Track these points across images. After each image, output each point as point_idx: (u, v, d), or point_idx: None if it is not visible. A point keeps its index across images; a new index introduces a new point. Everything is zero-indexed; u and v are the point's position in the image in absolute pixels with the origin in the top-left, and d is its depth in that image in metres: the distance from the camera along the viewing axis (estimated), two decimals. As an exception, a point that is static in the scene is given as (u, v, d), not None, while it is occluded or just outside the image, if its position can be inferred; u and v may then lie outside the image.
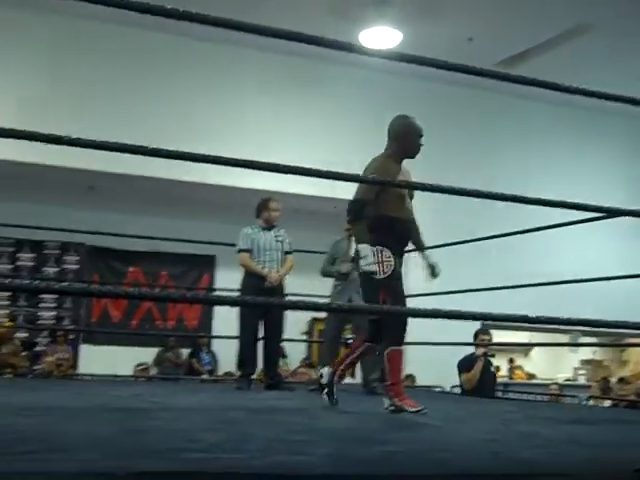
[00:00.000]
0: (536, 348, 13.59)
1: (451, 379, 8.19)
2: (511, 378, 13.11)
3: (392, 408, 4.13)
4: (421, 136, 4.40)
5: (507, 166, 11.11)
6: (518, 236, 6.12)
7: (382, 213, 4.22)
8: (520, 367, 13.46)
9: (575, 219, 4.99)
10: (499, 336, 10.92)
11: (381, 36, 9.00)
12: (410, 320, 4.23)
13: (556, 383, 11.25)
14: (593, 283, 6.55)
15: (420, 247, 4.64)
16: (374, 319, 4.35)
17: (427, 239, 4.68)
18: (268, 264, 6.41)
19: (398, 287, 4.20)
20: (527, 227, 5.84)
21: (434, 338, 7.34)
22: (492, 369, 7.63)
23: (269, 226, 6.57)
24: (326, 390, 4.36)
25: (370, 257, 4.12)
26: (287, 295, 6.59)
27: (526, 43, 9.79)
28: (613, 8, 8.90)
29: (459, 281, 6.98)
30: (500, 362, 13.55)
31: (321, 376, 4.45)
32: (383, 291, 4.15)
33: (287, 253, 6.58)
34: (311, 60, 9.55)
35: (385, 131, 4.44)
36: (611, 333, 11.31)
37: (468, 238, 6.53)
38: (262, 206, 6.62)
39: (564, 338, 11.40)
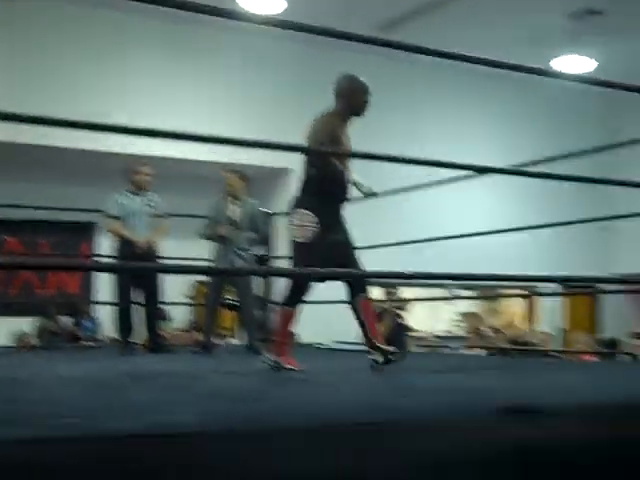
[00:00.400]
0: (415, 302, 14.00)
1: (333, 336, 8.37)
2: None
3: (273, 364, 4.21)
4: (367, 93, 4.40)
5: (389, 127, 11.31)
6: (399, 196, 6.33)
7: (320, 175, 4.25)
8: (401, 321, 13.82)
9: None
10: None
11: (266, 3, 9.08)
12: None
13: (434, 335, 11.67)
14: (470, 239, 6.84)
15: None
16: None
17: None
18: (138, 229, 6.38)
19: (313, 253, 4.16)
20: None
21: (317, 295, 7.52)
22: (402, 323, 7.84)
23: (140, 191, 6.52)
24: (390, 359, 4.26)
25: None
26: (160, 258, 6.58)
27: (407, 5, 9.90)
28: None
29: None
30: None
31: (375, 361, 4.30)
32: (300, 253, 4.22)
33: (160, 217, 6.56)
34: (202, 27, 9.42)
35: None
36: (486, 285, 11.78)
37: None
38: (132, 171, 6.56)
39: (442, 292, 11.80)
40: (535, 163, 5.08)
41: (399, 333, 7.78)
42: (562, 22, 10.07)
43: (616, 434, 2.39)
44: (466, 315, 13.46)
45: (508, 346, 8.25)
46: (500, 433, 2.19)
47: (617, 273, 11.77)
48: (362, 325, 4.36)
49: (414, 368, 4.72)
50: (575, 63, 10.80)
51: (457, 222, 9.92)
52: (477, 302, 13.81)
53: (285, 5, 9.16)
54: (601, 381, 3.79)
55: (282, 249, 8.47)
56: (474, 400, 2.85)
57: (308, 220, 4.19)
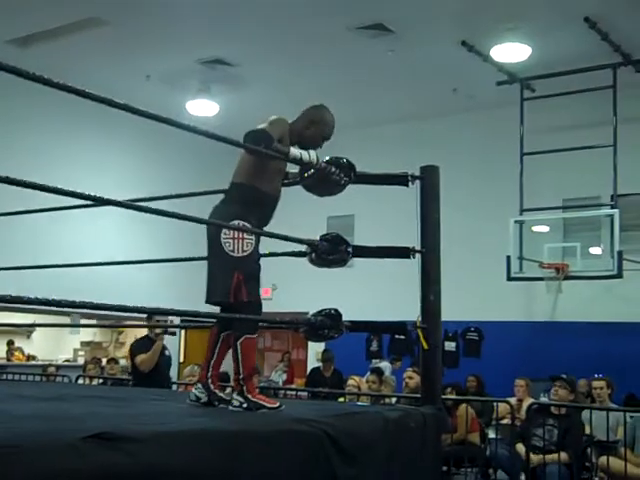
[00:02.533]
0: (38, 330, 13.58)
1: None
2: (9, 360, 12.92)
3: (246, 405, 3.71)
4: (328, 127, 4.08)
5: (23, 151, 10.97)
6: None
7: (254, 185, 3.85)
8: (20, 349, 13.30)
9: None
10: (-1, 317, 10.76)
11: None
12: None
13: (52, 365, 11.40)
14: (95, 267, 6.82)
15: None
16: (222, 303, 3.90)
17: None
18: None
19: (255, 269, 3.83)
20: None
21: None
22: (166, 351, 7.54)
23: None
24: (217, 403, 3.89)
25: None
26: None
27: (39, 25, 9.69)
28: (129, 6, 9.22)
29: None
30: (-1, 344, 13.32)
31: (198, 398, 3.93)
32: (239, 271, 3.75)
33: None
34: None
35: None
36: (110, 316, 11.77)
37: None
38: None
39: (65, 319, 11.60)
40: (157, 198, 5.18)
41: (163, 361, 7.41)
42: (196, 67, 10.63)
43: (195, 460, 2.59)
44: (90, 345, 13.38)
45: (124, 377, 8.37)
46: (86, 460, 2.24)
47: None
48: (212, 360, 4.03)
49: (16, 396, 4.60)
50: (205, 107, 11.44)
51: (90, 249, 9.91)
52: (102, 332, 13.80)
53: None
54: (190, 411, 3.95)
55: None
56: (63, 427, 2.86)
57: (246, 233, 3.77)
